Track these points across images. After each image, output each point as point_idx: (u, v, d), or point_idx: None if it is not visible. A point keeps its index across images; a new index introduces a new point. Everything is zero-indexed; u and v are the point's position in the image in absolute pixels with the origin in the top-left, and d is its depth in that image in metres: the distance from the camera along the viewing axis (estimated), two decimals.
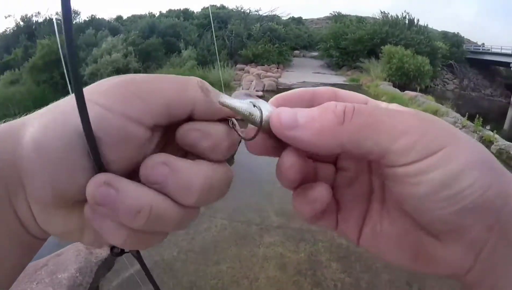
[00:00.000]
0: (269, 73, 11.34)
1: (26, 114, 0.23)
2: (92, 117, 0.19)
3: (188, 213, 0.23)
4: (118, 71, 10.84)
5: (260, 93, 8.36)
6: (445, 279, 1.17)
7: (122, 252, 0.28)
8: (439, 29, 20.90)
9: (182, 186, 0.21)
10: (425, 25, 17.68)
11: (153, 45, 12.65)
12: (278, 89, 9.30)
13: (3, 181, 0.20)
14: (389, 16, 17.59)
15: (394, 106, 0.26)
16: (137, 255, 0.29)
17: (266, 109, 0.24)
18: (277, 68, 13.20)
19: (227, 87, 9.82)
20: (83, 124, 0.19)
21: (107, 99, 0.21)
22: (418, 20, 17.38)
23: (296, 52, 17.79)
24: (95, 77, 11.05)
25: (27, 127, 0.21)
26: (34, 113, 0.22)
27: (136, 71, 11.13)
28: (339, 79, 12.09)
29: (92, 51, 11.99)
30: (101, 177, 0.20)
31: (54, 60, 11.52)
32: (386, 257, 0.27)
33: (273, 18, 17.03)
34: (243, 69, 12.51)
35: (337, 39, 16.03)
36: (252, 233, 2.76)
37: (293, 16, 22.92)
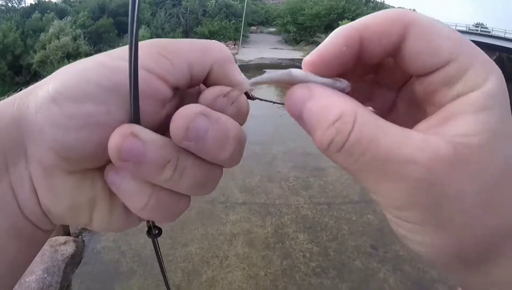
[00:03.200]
0: None
1: None
2: (118, 71, 0.20)
3: (213, 174, 0.23)
4: (69, 56, 10.18)
5: None
6: None
7: (160, 232, 0.26)
8: (396, 6, 21.34)
9: (221, 138, 0.21)
10: (382, 1, 17.93)
11: (104, 26, 11.91)
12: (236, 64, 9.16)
13: (0, 146, 0.20)
14: None
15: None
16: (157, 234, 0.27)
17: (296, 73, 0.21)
18: (234, 45, 12.94)
19: None
20: (130, 79, 0.19)
21: (143, 59, 0.20)
22: None
23: (253, 28, 17.50)
24: (45, 64, 10.40)
25: (37, 89, 0.20)
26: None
27: (87, 54, 10.20)
28: (297, 54, 12.02)
29: (40, 36, 11.14)
30: (127, 127, 0.19)
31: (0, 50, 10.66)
32: None
33: None
34: None
35: (294, 14, 15.95)
36: (218, 211, 2.74)
37: None
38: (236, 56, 10.43)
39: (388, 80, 0.23)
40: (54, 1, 14.80)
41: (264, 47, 13.42)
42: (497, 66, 0.18)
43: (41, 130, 0.19)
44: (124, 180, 0.21)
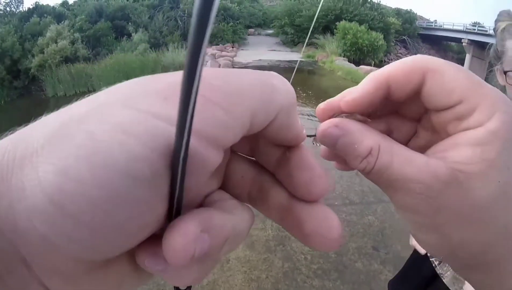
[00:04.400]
0: (224, 53, 11.13)
1: None
2: (153, 135, 0.14)
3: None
4: (67, 60, 10.21)
5: None
6: (409, 244, 1.27)
7: (189, 287, 0.25)
8: (393, 6, 21.37)
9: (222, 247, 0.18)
10: (379, 2, 17.99)
11: (102, 30, 11.85)
12: (234, 68, 9.12)
13: None
14: None
15: None
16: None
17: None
18: (232, 47, 12.95)
19: (182, 69, 9.47)
20: (178, 160, 0.14)
21: (170, 108, 0.15)
22: None
23: (251, 30, 17.42)
24: (43, 69, 10.37)
25: (25, 177, 0.14)
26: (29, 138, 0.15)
27: (86, 58, 10.52)
28: (295, 56, 11.97)
29: (38, 40, 11.12)
30: (195, 227, 0.16)
31: None
32: None
33: None
34: None
35: (292, 16, 15.93)
36: None
37: None
38: (234, 58, 10.42)
39: (411, 112, 0.27)
40: (52, 5, 14.78)
41: (262, 49, 13.44)
42: (506, 105, 0.21)
43: (48, 241, 0.14)
44: (167, 263, 0.16)
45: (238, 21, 14.55)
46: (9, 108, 10.29)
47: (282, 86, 0.19)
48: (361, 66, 10.10)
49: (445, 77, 0.22)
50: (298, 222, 0.21)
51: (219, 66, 8.93)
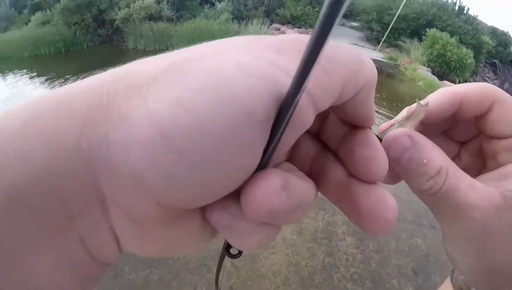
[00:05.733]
0: None
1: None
2: (272, 80, 0.15)
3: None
4: (151, 17, 10.71)
5: None
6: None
7: (240, 253, 0.26)
8: (489, 24, 19.47)
9: (299, 211, 0.19)
10: (475, 16, 16.41)
11: None
12: None
13: (60, 193, 0.13)
14: None
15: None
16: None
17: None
18: None
19: None
20: (291, 96, 0.14)
21: (287, 62, 0.16)
22: (468, 9, 16.16)
23: None
24: (127, 22, 11.04)
25: (126, 105, 0.13)
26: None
27: (169, 19, 10.98)
28: (377, 55, 11.49)
29: None
30: (276, 182, 0.16)
31: (86, 3, 11.51)
32: None
33: None
34: (279, 29, 11.97)
35: (381, 12, 15.12)
36: None
37: None
38: None
39: (460, 135, 0.30)
40: None
41: (344, 41, 12.91)
42: None
43: (139, 177, 0.13)
44: (235, 219, 0.17)
45: None
46: (91, 53, 11.23)
47: (369, 63, 0.20)
48: (444, 81, 9.35)
49: (509, 108, 0.26)
50: (354, 199, 0.21)
51: None
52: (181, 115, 0.12)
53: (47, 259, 0.14)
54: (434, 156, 0.24)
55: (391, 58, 12.13)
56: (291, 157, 0.24)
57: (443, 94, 0.27)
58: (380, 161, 0.21)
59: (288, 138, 0.16)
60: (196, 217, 0.18)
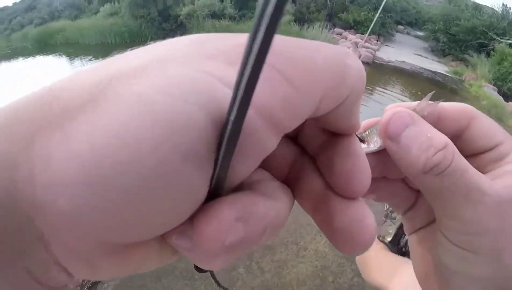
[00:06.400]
0: (367, 44, 10.68)
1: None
2: (212, 110, 0.12)
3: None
4: (214, 15, 11.03)
5: None
6: None
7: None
8: None
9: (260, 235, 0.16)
10: None
11: None
12: (374, 63, 8.69)
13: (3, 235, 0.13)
14: (511, 11, 15.19)
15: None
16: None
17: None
18: (377, 41, 12.34)
19: None
20: (231, 127, 0.12)
21: (232, 74, 0.12)
22: None
23: (400, 27, 16.31)
24: (191, 18, 11.51)
25: (65, 134, 0.12)
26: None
27: (231, 17, 11.30)
28: (441, 68, 11.01)
29: None
30: (229, 214, 0.14)
31: None
32: None
33: None
34: (341, 34, 11.89)
35: (448, 23, 14.42)
36: None
37: None
38: (376, 52, 9.86)
39: None
40: None
41: (407, 51, 12.53)
42: None
43: (70, 220, 0.12)
44: (208, 254, 0.16)
45: (389, 14, 13.74)
46: None
47: (356, 69, 0.17)
48: (510, 103, 8.60)
49: (487, 123, 0.26)
50: (329, 215, 0.19)
51: (360, 56, 8.56)
52: (105, 158, 0.11)
53: None
54: (438, 133, 0.23)
55: (456, 73, 11.52)
56: (267, 163, 0.20)
57: (423, 101, 0.26)
58: (361, 176, 0.19)
59: (245, 166, 0.15)
60: (153, 241, 0.16)
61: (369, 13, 12.95)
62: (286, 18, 10.73)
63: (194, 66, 0.13)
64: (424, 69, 9.87)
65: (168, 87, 0.12)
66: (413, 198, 0.30)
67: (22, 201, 0.12)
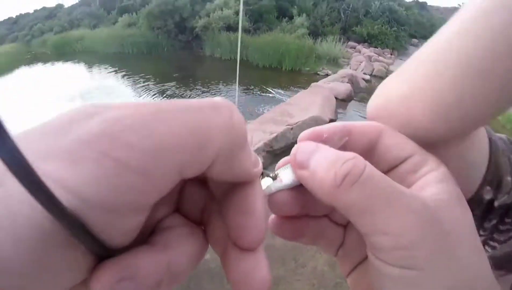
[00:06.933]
0: (380, 57, 10.79)
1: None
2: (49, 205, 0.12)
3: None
4: (229, 27, 11.27)
5: (368, 77, 7.89)
6: None
7: None
8: None
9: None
10: None
11: (266, 7, 12.67)
12: (387, 77, 8.69)
13: None
14: None
15: (423, 183, 0.24)
16: None
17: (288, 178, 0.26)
18: (391, 54, 12.43)
19: (335, 63, 9.47)
20: (54, 216, 0.12)
21: (75, 175, 0.13)
22: None
23: (414, 40, 16.29)
24: (206, 30, 11.78)
25: None
26: None
27: (246, 30, 11.44)
28: None
29: (206, 5, 12.63)
30: (111, 276, 0.15)
31: (170, 10, 12.56)
32: None
33: None
34: (355, 48, 12.06)
35: None
36: None
37: (417, 0, 20.92)
38: (390, 66, 9.95)
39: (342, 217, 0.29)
40: None
41: None
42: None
43: None
44: None
45: (403, 28, 13.84)
46: (170, 56, 12.09)
47: (224, 123, 0.16)
48: None
49: (398, 137, 0.26)
50: (228, 264, 0.19)
51: (373, 70, 8.73)
52: None
53: None
54: (343, 152, 0.22)
55: None
56: (182, 207, 0.22)
57: (330, 125, 0.26)
58: (253, 230, 0.19)
59: (117, 234, 0.15)
60: None
61: (382, 26, 13.09)
62: (300, 31, 10.94)
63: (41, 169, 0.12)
64: None
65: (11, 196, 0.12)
66: (341, 233, 0.29)
67: None
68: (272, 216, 0.28)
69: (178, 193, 0.22)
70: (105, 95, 7.28)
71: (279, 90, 7.18)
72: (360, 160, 0.21)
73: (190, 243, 0.19)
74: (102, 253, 0.15)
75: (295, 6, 13.17)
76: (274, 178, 0.26)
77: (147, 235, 0.19)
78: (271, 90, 7.13)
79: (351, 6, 13.73)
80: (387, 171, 0.26)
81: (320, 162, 0.22)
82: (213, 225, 0.21)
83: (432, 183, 0.23)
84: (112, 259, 0.15)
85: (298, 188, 0.25)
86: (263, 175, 0.25)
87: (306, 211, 0.27)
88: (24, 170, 0.11)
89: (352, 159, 0.21)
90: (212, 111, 0.16)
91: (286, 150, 3.73)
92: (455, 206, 0.23)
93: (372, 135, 0.26)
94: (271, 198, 0.26)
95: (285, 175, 0.26)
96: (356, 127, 0.26)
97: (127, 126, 0.14)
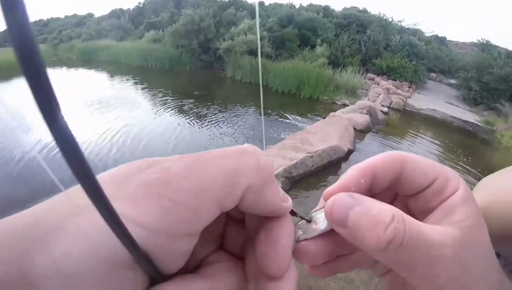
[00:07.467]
0: (398, 90, 10.91)
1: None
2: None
3: None
4: (251, 52, 11.49)
5: (386, 109, 7.95)
6: None
7: None
8: None
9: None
10: None
11: (289, 34, 12.99)
12: (404, 110, 8.81)
13: None
14: None
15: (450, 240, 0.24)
16: None
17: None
18: (409, 87, 12.51)
19: (353, 94, 9.58)
20: (126, 247, 0.16)
21: (140, 212, 0.17)
22: None
23: (433, 74, 16.42)
24: (229, 52, 12.10)
25: (47, 245, 0.16)
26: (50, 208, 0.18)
27: (268, 56, 11.75)
28: (472, 117, 10.93)
29: (231, 28, 12.97)
30: None
31: (195, 30, 12.98)
32: None
33: (415, 33, 16.01)
34: (373, 79, 12.19)
35: (481, 71, 14.20)
36: None
37: (436, 35, 21.13)
38: (408, 99, 10.03)
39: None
40: (249, 2, 16.60)
41: (438, 99, 12.54)
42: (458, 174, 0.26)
43: None
44: None
45: (422, 61, 13.93)
46: (191, 74, 12.35)
47: (251, 165, 0.20)
48: None
49: (419, 162, 0.26)
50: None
51: (391, 102, 8.81)
52: (64, 270, 0.16)
53: None
54: (380, 205, 0.23)
55: (487, 123, 11.37)
56: (225, 244, 0.26)
57: (357, 169, 0.26)
58: (278, 257, 0.21)
59: (172, 262, 0.19)
60: None
61: (402, 59, 13.20)
62: (321, 60, 11.16)
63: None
64: (455, 118, 9.87)
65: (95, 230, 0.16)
66: None
67: (27, 285, 0.16)
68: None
69: (221, 233, 0.26)
70: (122, 104, 7.49)
71: (297, 117, 7.27)
72: (400, 221, 0.22)
73: (232, 275, 0.22)
74: (157, 276, 0.19)
75: (316, 36, 13.47)
76: (308, 221, 0.27)
77: (193, 269, 0.23)
78: (288, 116, 7.21)
79: (372, 38, 13.97)
80: (413, 195, 0.27)
81: (359, 225, 0.23)
82: (249, 258, 0.24)
83: (458, 206, 0.25)
84: (166, 282, 0.19)
85: (325, 236, 0.26)
86: (295, 214, 0.26)
87: (336, 254, 0.28)
88: (105, 206, 0.14)
89: (393, 223, 0.22)
90: (241, 156, 0.20)
91: (304, 177, 3.81)
92: (479, 227, 0.25)
93: (396, 168, 0.26)
94: (297, 248, 0.26)
95: (319, 219, 0.26)
96: (379, 166, 0.26)
97: (176, 173, 0.18)
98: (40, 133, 4.82)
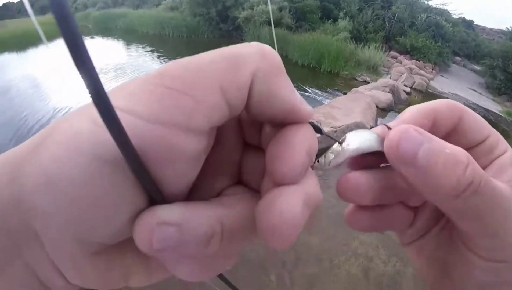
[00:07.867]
0: (422, 71, 10.53)
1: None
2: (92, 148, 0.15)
3: None
4: (271, 22, 11.13)
5: (408, 89, 7.70)
6: None
7: None
8: None
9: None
10: None
11: (310, 6, 12.55)
12: (427, 92, 8.53)
13: (6, 229, 0.16)
14: None
15: None
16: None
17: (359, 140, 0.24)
18: (432, 69, 12.05)
19: (375, 71, 9.29)
20: (118, 145, 0.14)
21: (136, 102, 0.16)
22: None
23: (458, 58, 15.82)
24: (248, 22, 11.84)
25: (29, 162, 0.16)
26: (50, 127, 0.17)
27: (288, 26, 11.43)
28: (494, 107, 10.55)
29: None
30: (150, 217, 0.16)
31: None
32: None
33: (442, 13, 15.33)
34: (396, 58, 11.80)
35: (507, 60, 13.74)
36: None
37: (464, 17, 20.23)
38: (430, 81, 9.68)
39: (414, 199, 0.29)
40: None
41: (462, 84, 12.16)
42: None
43: (46, 212, 0.15)
44: (168, 259, 0.18)
45: (447, 44, 13.41)
46: (209, 43, 12.13)
47: (256, 51, 0.18)
48: None
49: (476, 116, 0.26)
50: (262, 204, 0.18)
51: (413, 83, 8.55)
52: (57, 174, 0.15)
53: None
54: (454, 146, 0.21)
55: (509, 114, 11.07)
56: (244, 177, 0.23)
57: (418, 110, 0.25)
58: (289, 160, 0.18)
59: (177, 167, 0.16)
60: (128, 251, 0.18)
61: (427, 40, 12.72)
62: (343, 34, 10.78)
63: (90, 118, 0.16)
64: (477, 105, 9.54)
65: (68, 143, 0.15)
66: (412, 216, 0.28)
67: (20, 203, 0.15)
68: (349, 207, 0.27)
69: (239, 164, 0.23)
70: (137, 72, 7.42)
71: (316, 90, 7.12)
72: (475, 165, 0.21)
73: (248, 205, 0.19)
74: (157, 197, 0.16)
75: (340, 9, 13.00)
76: (341, 143, 0.24)
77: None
78: (308, 89, 7.08)
79: (396, 15, 13.43)
80: (466, 150, 0.24)
81: (436, 161, 0.20)
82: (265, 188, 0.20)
83: (508, 166, 0.25)
84: (158, 206, 0.17)
85: (374, 173, 0.25)
86: (320, 131, 0.21)
87: (379, 199, 0.25)
88: (103, 101, 0.13)
89: (470, 165, 0.20)
90: (243, 46, 0.18)
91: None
92: None
93: (456, 117, 0.26)
94: (342, 180, 0.24)
95: (355, 139, 0.23)
96: (443, 110, 0.26)
97: (173, 65, 0.17)
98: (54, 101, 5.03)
